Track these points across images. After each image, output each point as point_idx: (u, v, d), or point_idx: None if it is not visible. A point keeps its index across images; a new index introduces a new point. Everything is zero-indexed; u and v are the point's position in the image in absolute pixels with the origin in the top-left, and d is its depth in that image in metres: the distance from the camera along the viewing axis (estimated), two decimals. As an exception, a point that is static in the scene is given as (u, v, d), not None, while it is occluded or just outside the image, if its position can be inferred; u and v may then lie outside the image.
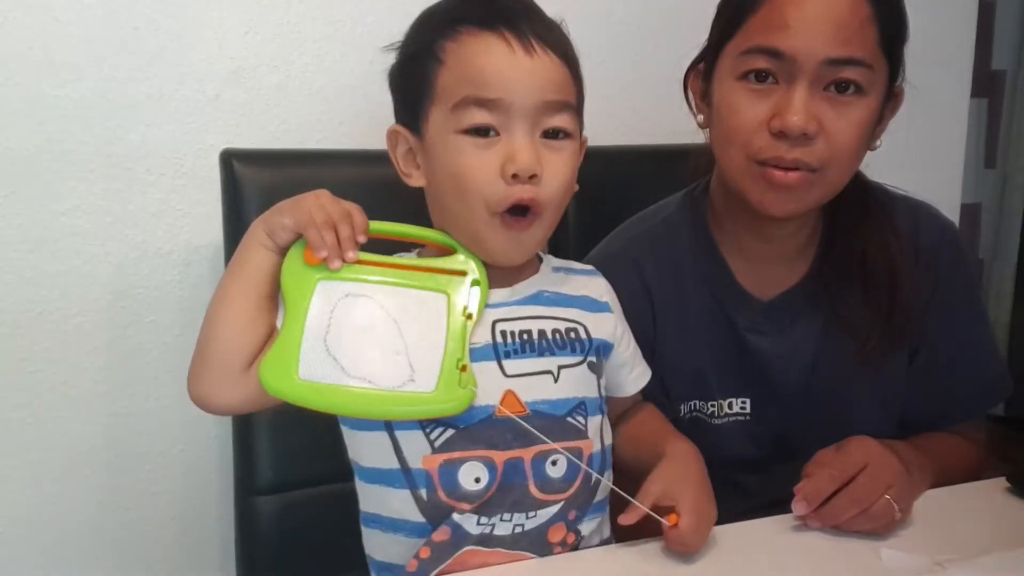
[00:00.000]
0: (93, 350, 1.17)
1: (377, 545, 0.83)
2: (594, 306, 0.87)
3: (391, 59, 0.84)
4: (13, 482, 1.16)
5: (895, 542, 0.82)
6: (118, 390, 1.19)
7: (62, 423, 1.17)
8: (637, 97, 1.41)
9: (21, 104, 1.09)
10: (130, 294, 1.18)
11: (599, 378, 0.85)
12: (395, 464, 0.77)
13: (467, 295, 0.78)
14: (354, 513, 0.85)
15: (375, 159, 1.10)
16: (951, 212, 1.78)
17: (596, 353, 0.85)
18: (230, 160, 1.04)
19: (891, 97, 0.94)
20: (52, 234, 1.13)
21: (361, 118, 1.25)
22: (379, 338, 0.75)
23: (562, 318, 0.84)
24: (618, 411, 0.92)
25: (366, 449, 0.80)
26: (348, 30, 1.23)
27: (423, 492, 0.77)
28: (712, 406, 1.01)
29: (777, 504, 0.87)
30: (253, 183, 1.04)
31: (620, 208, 1.07)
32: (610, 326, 0.87)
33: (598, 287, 0.90)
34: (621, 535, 0.85)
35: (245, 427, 1.08)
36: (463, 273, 0.79)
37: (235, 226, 1.04)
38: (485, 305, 0.79)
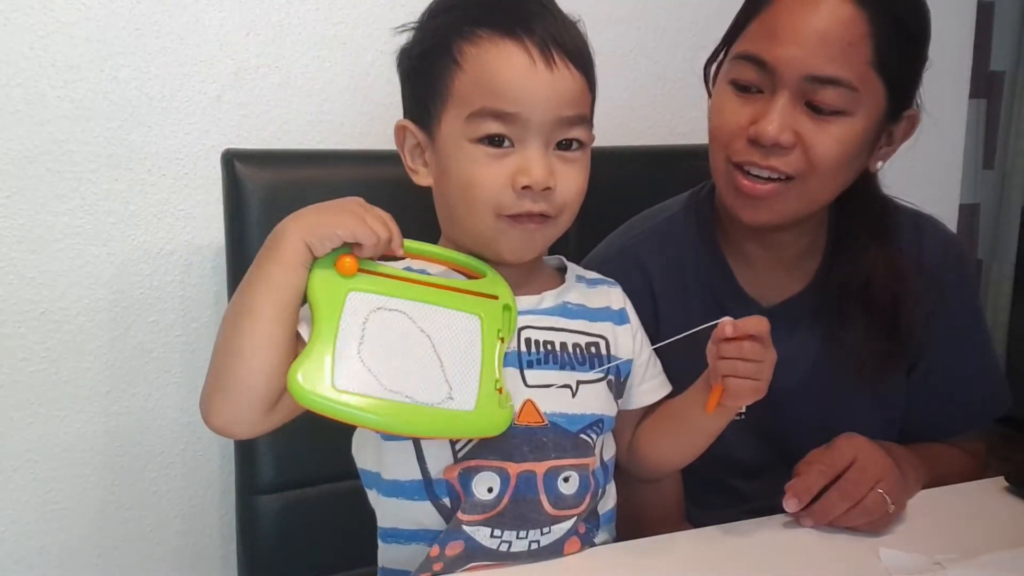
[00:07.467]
0: (95, 350, 1.17)
1: (394, 557, 0.82)
2: (615, 318, 0.87)
3: (395, 51, 0.83)
4: (13, 482, 1.16)
5: (894, 541, 0.82)
6: (119, 390, 1.19)
7: (63, 423, 1.17)
8: (637, 97, 1.41)
9: (23, 105, 1.09)
10: (132, 294, 1.18)
11: (617, 398, 0.85)
12: (416, 475, 0.77)
13: (500, 318, 0.77)
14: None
15: (376, 159, 1.11)
16: (950, 213, 1.78)
17: (616, 372, 0.85)
18: (231, 160, 1.04)
19: (898, 119, 0.93)
20: (54, 234, 1.13)
21: (362, 118, 1.25)
22: (415, 353, 0.72)
23: (584, 332, 0.83)
24: (633, 421, 0.90)
25: (391, 459, 0.78)
26: (349, 31, 1.23)
27: (446, 501, 0.76)
28: None
29: (774, 510, 0.87)
30: (254, 183, 1.04)
31: (619, 208, 1.07)
32: (629, 339, 0.87)
33: (617, 297, 0.90)
34: (623, 534, 0.85)
35: (246, 427, 1.08)
36: (494, 297, 0.78)
37: (237, 226, 1.04)
38: (515, 329, 0.79)
